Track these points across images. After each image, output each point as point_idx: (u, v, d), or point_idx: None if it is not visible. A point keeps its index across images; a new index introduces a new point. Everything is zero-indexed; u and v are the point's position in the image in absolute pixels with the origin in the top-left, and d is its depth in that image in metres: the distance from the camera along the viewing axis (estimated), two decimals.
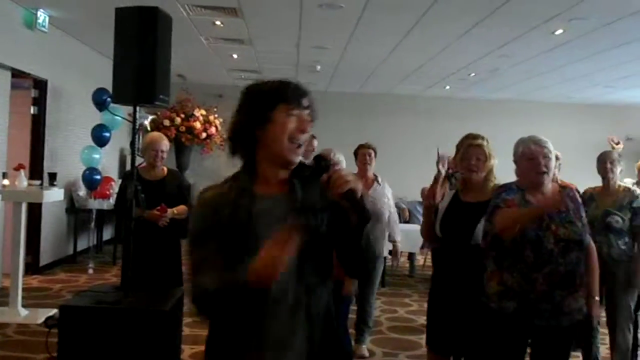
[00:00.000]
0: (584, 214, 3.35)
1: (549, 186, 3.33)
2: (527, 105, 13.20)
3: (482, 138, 3.76)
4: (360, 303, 5.35)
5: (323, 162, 1.96)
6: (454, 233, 3.73)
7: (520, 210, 3.20)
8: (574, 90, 11.85)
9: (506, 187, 3.37)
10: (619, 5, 6.26)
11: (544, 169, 3.24)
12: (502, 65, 9.74)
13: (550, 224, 3.17)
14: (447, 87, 12.39)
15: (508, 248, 3.19)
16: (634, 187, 5.00)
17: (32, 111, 8.30)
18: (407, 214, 10.21)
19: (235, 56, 10.09)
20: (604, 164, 4.69)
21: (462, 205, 3.76)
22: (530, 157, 3.26)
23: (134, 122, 4.23)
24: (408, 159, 12.47)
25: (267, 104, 1.92)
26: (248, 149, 1.96)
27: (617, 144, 11.17)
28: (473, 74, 10.76)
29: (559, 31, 7.33)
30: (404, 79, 11.61)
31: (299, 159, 1.96)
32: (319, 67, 10.67)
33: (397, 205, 11.22)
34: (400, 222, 9.72)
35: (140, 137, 7.73)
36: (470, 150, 3.73)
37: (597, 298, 3.40)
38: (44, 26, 7.74)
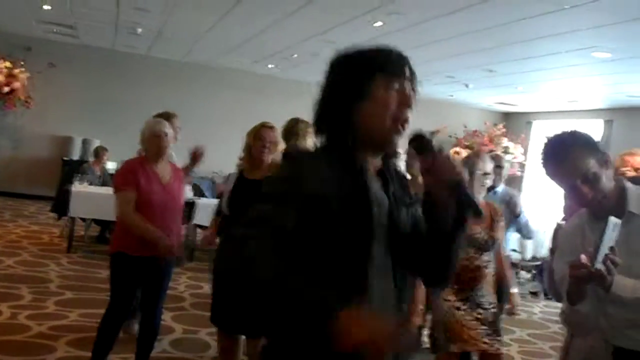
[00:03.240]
0: None
1: None
2: None
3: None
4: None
5: (428, 144, 1.58)
6: (243, 210, 3.78)
7: None
8: None
9: None
10: (435, 6, 6.65)
11: None
12: (324, 50, 9.96)
13: None
14: (271, 66, 12.46)
15: None
16: None
17: None
18: (222, 187, 10.15)
19: (47, 7, 9.31)
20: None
21: (248, 183, 3.88)
22: None
23: None
24: (226, 133, 12.41)
25: (362, 77, 1.58)
26: (341, 130, 1.60)
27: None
28: (296, 55, 10.91)
29: (379, 23, 7.64)
30: (229, 52, 11.48)
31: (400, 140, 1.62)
32: (140, 30, 10.21)
33: (212, 180, 11.21)
34: (214, 197, 9.69)
35: None
36: (263, 131, 3.93)
37: None
38: None
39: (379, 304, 1.55)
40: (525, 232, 5.50)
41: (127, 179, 3.89)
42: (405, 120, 1.59)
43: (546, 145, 2.23)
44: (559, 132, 2.26)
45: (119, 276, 3.91)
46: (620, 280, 2.00)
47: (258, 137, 3.93)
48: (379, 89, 1.57)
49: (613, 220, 1.96)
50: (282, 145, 4.07)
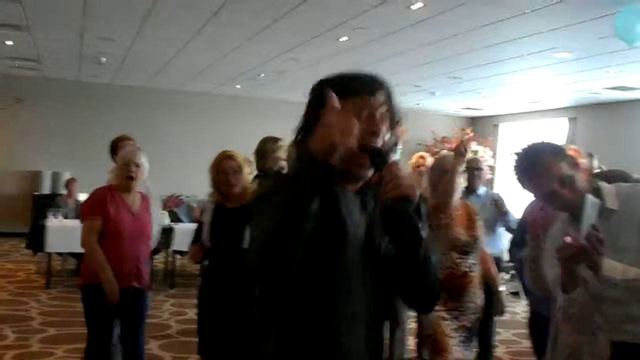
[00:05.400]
0: None
1: None
2: None
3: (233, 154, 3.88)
4: None
5: (377, 159, 1.56)
6: (225, 240, 3.79)
7: None
8: None
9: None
10: (398, 18, 6.75)
11: None
12: (291, 68, 10.03)
13: None
14: (238, 86, 12.48)
15: None
16: None
17: None
18: (198, 212, 10.10)
19: (9, 42, 9.24)
20: None
21: (227, 212, 3.82)
22: None
23: None
24: (198, 156, 12.37)
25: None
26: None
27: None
28: (263, 75, 10.95)
29: (344, 38, 7.72)
30: (196, 76, 11.49)
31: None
32: (104, 59, 10.17)
33: (187, 204, 11.14)
34: (192, 221, 9.63)
35: None
36: (224, 164, 3.81)
37: None
38: None
39: (348, 320, 1.56)
40: (515, 227, 5.51)
41: (93, 208, 3.87)
42: (377, 139, 1.58)
43: (517, 160, 2.34)
44: (524, 146, 2.37)
45: (93, 309, 3.85)
46: (609, 262, 2.08)
47: (221, 170, 3.84)
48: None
49: (591, 198, 2.06)
50: (248, 168, 4.01)
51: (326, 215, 1.52)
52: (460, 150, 3.70)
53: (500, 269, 5.65)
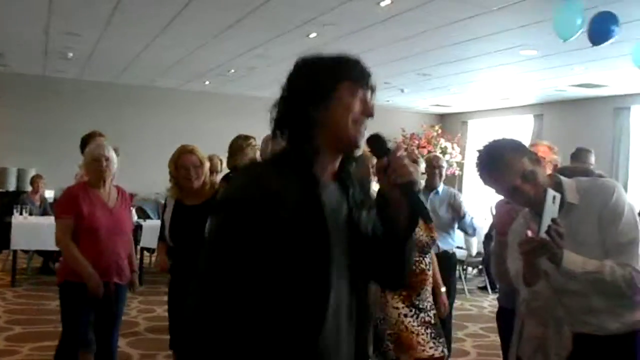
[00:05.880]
0: None
1: None
2: None
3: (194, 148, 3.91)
4: None
5: (381, 145, 1.62)
6: (186, 240, 3.78)
7: None
8: None
9: None
10: (367, 15, 6.78)
11: None
12: (260, 64, 10.00)
13: None
14: (207, 82, 12.41)
15: None
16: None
17: None
18: (162, 209, 10.05)
19: None
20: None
21: (187, 210, 3.83)
22: None
23: None
24: (168, 153, 12.28)
25: (330, 80, 1.61)
26: (304, 131, 1.60)
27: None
28: (232, 71, 10.91)
29: (313, 35, 7.73)
30: (164, 72, 11.39)
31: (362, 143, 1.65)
32: (70, 55, 10.02)
33: (156, 201, 11.07)
34: (160, 218, 9.58)
35: None
36: (184, 159, 3.81)
37: None
38: None
39: (333, 308, 1.57)
40: (470, 232, 5.63)
41: (66, 206, 3.84)
42: (364, 128, 1.63)
43: (479, 157, 2.37)
44: (486, 142, 2.39)
45: (70, 305, 3.81)
46: (570, 256, 2.13)
47: (180, 165, 3.84)
48: (344, 93, 1.60)
49: (551, 192, 2.09)
50: (208, 163, 4.01)
51: (306, 205, 1.54)
52: (413, 159, 3.77)
53: (455, 266, 5.74)
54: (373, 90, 1.66)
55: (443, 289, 3.93)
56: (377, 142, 1.62)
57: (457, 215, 5.28)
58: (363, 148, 1.65)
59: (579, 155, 5.61)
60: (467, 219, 5.33)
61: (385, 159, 1.59)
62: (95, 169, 3.91)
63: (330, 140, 1.61)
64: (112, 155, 3.99)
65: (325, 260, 1.55)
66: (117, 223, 3.92)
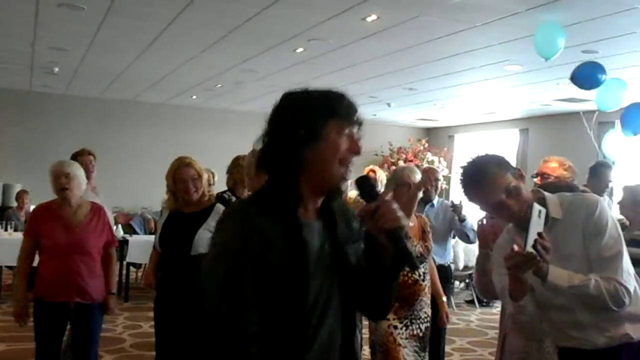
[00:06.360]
0: None
1: None
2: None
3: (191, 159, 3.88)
4: None
5: (373, 190, 1.63)
6: (174, 244, 3.76)
7: None
8: None
9: None
10: (353, 30, 6.81)
11: None
12: (247, 78, 10.01)
13: None
14: (194, 97, 12.40)
15: None
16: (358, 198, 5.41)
17: None
18: (152, 224, 10.01)
19: None
20: None
21: (184, 217, 3.80)
22: None
23: None
24: (154, 168, 12.24)
25: (317, 120, 1.60)
26: (288, 170, 1.60)
27: None
28: (220, 85, 10.91)
29: (300, 49, 7.76)
30: (151, 87, 11.38)
31: (346, 184, 1.66)
32: (56, 69, 9.99)
33: (142, 216, 11.02)
34: (147, 233, 9.54)
35: None
36: (183, 172, 3.77)
37: None
38: None
39: (325, 344, 1.60)
40: (471, 236, 5.40)
41: (28, 227, 4.00)
42: (352, 164, 1.64)
43: (463, 173, 2.38)
44: (470, 159, 2.41)
45: (39, 324, 3.81)
46: (555, 270, 2.14)
47: (178, 179, 3.77)
48: (331, 133, 1.60)
49: (537, 207, 2.11)
50: (207, 174, 4.00)
51: (291, 251, 1.56)
52: (424, 182, 3.85)
53: (450, 278, 5.73)
54: (360, 124, 1.66)
55: (444, 298, 3.95)
56: (365, 186, 1.63)
57: (459, 219, 5.17)
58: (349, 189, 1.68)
59: (595, 171, 5.47)
60: (468, 222, 5.22)
61: (374, 204, 1.59)
62: (55, 187, 3.87)
63: (315, 181, 1.62)
64: (75, 172, 3.90)
65: (302, 303, 1.57)
66: (79, 242, 3.82)
